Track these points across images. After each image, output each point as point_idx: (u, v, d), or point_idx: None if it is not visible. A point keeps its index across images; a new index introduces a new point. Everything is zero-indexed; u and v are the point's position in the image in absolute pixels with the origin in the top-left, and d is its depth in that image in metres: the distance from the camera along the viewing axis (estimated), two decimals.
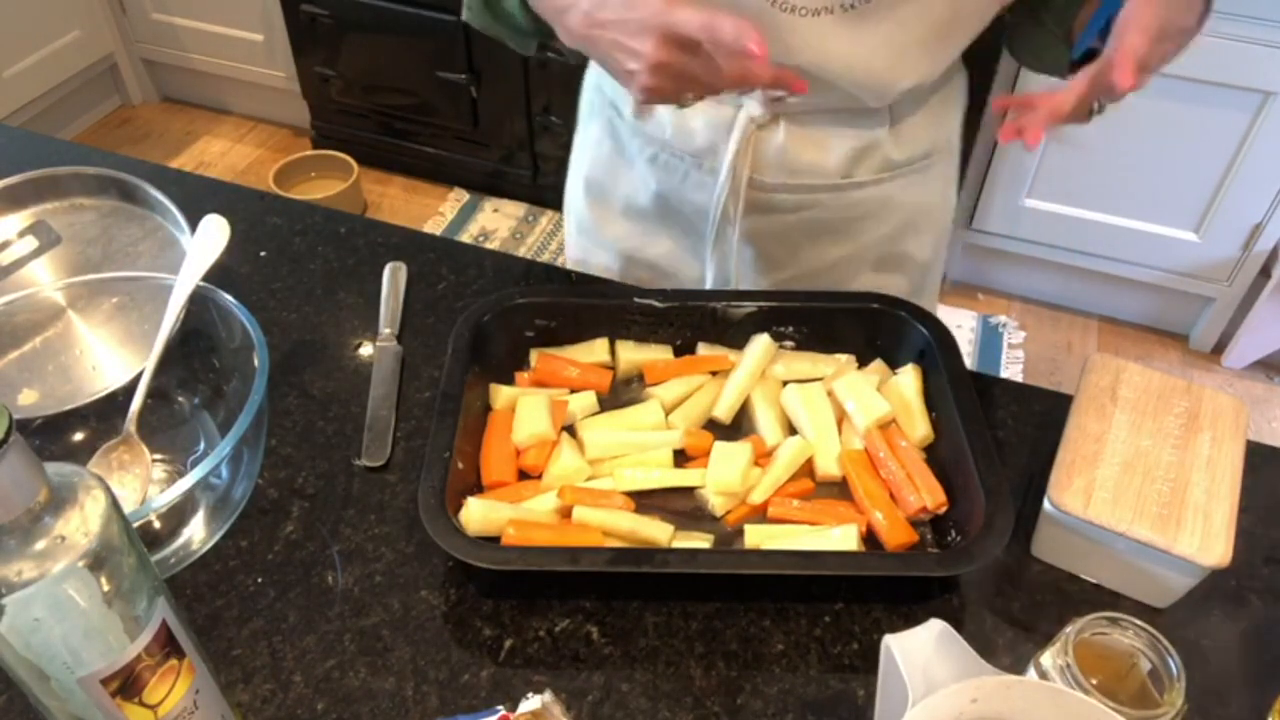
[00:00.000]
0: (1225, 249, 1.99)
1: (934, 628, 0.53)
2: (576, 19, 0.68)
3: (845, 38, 0.75)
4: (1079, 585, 0.70)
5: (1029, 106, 0.71)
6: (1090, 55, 0.76)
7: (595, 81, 0.98)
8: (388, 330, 0.86)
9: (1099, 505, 0.66)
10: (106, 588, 0.44)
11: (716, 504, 0.72)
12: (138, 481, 0.71)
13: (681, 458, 0.76)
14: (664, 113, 0.88)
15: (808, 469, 0.75)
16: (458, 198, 2.56)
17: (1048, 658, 0.55)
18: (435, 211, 2.52)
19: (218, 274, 0.75)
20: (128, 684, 0.47)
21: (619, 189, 0.98)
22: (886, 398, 0.77)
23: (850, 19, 0.74)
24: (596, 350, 0.82)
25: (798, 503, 0.73)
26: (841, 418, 0.77)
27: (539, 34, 0.81)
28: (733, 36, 0.62)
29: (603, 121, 0.97)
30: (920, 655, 0.52)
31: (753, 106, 0.83)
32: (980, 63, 2.03)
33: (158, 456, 0.74)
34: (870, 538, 0.71)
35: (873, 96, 0.81)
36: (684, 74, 0.66)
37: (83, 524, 0.43)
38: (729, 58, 0.66)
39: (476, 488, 0.73)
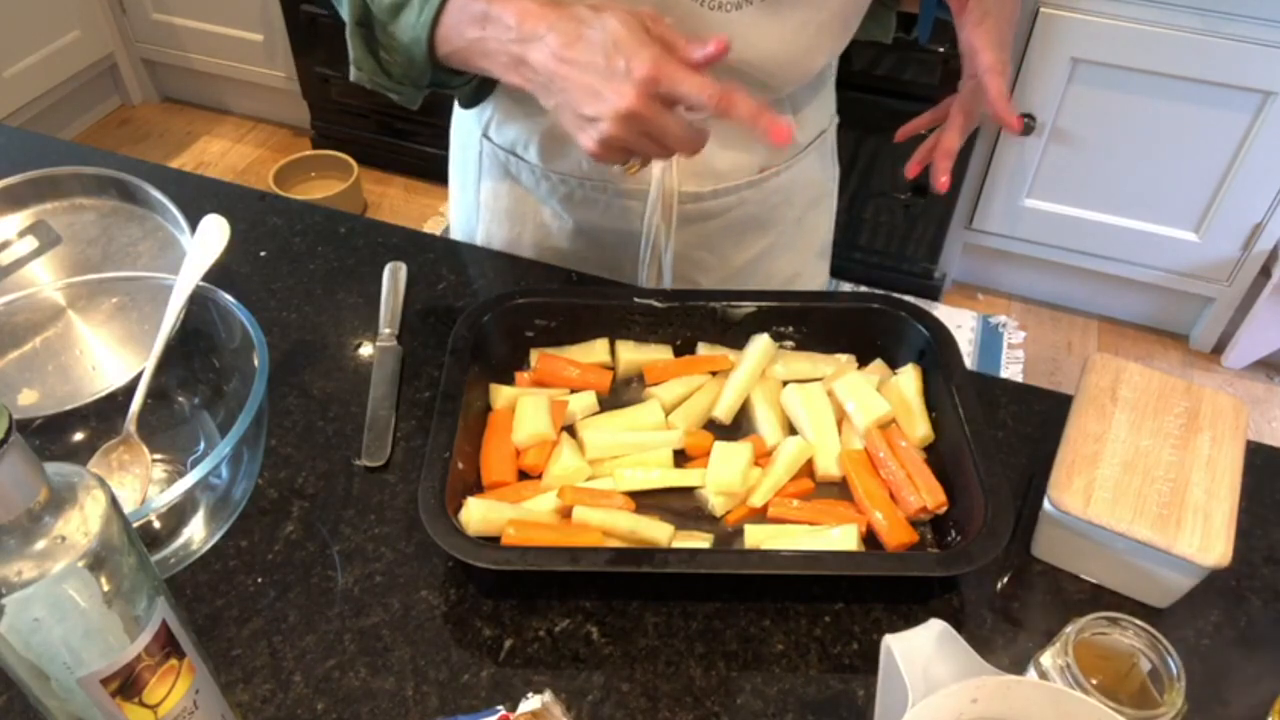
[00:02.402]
0: (1225, 249, 1.99)
1: (934, 628, 0.53)
2: (541, 55, 0.65)
3: (767, 27, 0.77)
4: (1079, 585, 0.70)
5: (927, 148, 0.84)
6: (939, 24, 0.87)
7: (477, 133, 0.94)
8: (388, 330, 0.86)
9: (1099, 505, 0.66)
10: (106, 588, 0.44)
11: (716, 504, 0.72)
12: (138, 481, 0.71)
13: (681, 458, 0.76)
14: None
15: (808, 469, 0.75)
16: None
17: (1048, 658, 0.55)
18: (435, 211, 2.52)
19: (218, 274, 0.74)
20: (128, 684, 0.47)
21: (526, 236, 0.96)
22: (886, 398, 0.77)
23: (769, 8, 0.76)
24: (596, 350, 0.82)
25: (798, 503, 0.73)
26: (841, 418, 0.77)
27: (431, 86, 0.77)
28: (750, 114, 0.62)
29: (497, 173, 0.94)
30: (920, 655, 0.52)
31: None
32: None
33: (158, 456, 0.74)
34: (870, 538, 0.71)
35: (790, 82, 0.84)
36: (652, 132, 0.63)
37: (83, 524, 0.43)
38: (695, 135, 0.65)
39: (476, 488, 0.73)
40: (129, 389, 0.72)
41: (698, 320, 0.82)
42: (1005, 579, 0.70)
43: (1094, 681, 0.53)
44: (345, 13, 0.73)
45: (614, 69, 0.62)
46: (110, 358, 0.77)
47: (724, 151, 0.87)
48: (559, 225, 0.94)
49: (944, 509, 0.71)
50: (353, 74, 0.76)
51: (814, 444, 0.75)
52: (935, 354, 0.77)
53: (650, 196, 0.87)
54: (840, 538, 0.69)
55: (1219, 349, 2.16)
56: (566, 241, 0.95)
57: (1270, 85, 1.75)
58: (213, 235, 0.76)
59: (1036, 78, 1.88)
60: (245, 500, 0.71)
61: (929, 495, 0.71)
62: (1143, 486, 0.67)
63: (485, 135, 0.93)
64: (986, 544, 0.64)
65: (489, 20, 0.67)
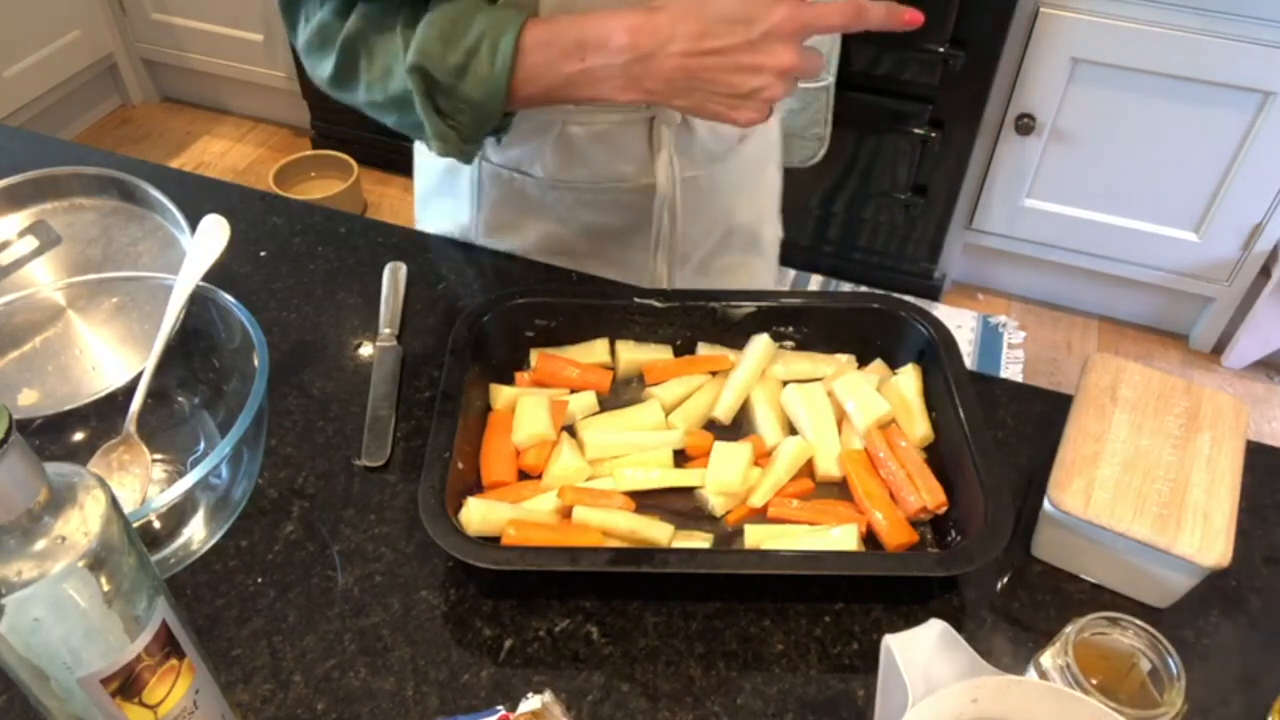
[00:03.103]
0: (1225, 249, 1.99)
1: (934, 628, 0.53)
2: (670, 62, 0.64)
3: None
4: (1079, 585, 0.70)
5: None
6: None
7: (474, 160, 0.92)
8: (388, 330, 0.86)
9: (1099, 505, 0.66)
10: (106, 588, 0.44)
11: (716, 504, 0.72)
12: (138, 481, 0.71)
13: (681, 458, 0.76)
14: (585, 152, 0.87)
15: (808, 469, 0.75)
16: None
17: (1048, 658, 0.55)
18: None
19: (218, 274, 0.75)
20: (128, 684, 0.47)
21: (530, 243, 0.96)
22: (886, 398, 0.77)
23: None
24: (596, 350, 0.82)
25: (798, 503, 0.73)
26: (841, 418, 0.77)
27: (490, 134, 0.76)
28: (882, 19, 0.62)
29: (499, 190, 0.93)
30: (920, 655, 0.52)
31: (670, 116, 0.84)
32: (979, 66, 2.02)
33: (158, 456, 0.74)
34: (870, 538, 0.71)
35: None
36: (803, 74, 0.64)
37: (83, 524, 0.43)
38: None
39: (476, 488, 0.73)
40: (129, 389, 0.72)
41: (697, 320, 0.82)
42: (1005, 579, 0.70)
43: (1094, 681, 0.53)
44: (412, 93, 0.70)
45: (758, 38, 0.62)
46: (110, 358, 0.77)
47: (712, 131, 0.88)
48: (566, 229, 0.94)
49: (944, 509, 0.71)
50: (437, 149, 0.73)
51: (814, 444, 0.75)
52: (935, 354, 0.77)
53: (659, 191, 0.87)
54: (840, 538, 0.69)
55: (1219, 349, 2.16)
56: (574, 242, 0.95)
57: (1270, 85, 1.75)
58: (213, 235, 0.76)
59: (1036, 78, 1.88)
60: (245, 500, 0.71)
61: (929, 495, 0.71)
62: (1143, 486, 0.67)
63: (484, 157, 0.92)
64: (986, 544, 0.64)
65: (589, 49, 0.66)
